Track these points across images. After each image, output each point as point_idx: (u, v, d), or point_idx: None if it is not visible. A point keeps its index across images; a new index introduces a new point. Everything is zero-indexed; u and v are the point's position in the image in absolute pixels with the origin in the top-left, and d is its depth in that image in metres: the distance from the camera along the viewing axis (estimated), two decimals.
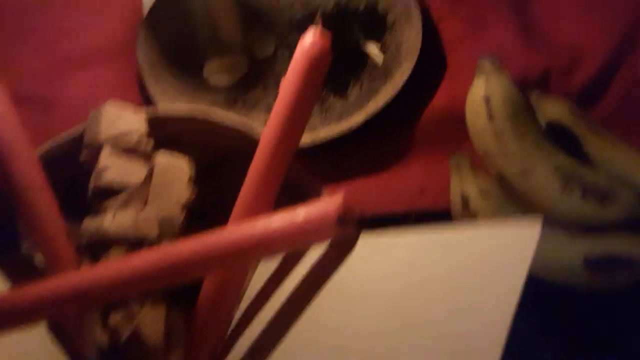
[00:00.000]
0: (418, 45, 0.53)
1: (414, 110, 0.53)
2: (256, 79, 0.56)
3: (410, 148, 0.51)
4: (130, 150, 0.39)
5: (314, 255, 0.34)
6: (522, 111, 0.45)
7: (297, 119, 0.37)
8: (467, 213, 0.43)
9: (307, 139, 0.50)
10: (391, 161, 0.51)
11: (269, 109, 0.52)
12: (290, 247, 0.33)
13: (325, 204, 0.33)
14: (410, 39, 0.54)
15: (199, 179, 0.40)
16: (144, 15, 0.55)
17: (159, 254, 0.32)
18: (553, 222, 0.42)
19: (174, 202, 0.38)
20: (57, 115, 0.54)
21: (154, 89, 0.53)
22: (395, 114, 0.52)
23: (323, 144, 0.49)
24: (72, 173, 0.39)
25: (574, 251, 0.40)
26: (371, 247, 0.32)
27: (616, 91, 0.52)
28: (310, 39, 0.36)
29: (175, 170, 0.39)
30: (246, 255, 0.33)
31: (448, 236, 0.30)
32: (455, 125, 0.50)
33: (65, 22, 0.59)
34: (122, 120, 0.39)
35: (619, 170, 0.45)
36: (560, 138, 0.47)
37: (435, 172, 0.49)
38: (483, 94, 0.45)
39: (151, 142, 0.39)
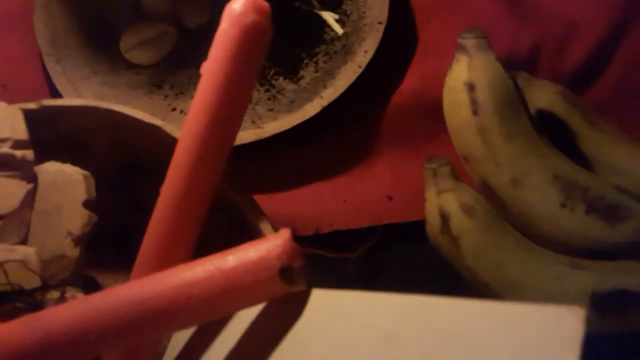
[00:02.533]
0: (384, 14, 0.45)
1: (380, 96, 0.45)
2: (187, 55, 0.47)
3: (375, 144, 0.44)
4: (1, 164, 0.29)
5: (245, 320, 0.25)
6: (513, 102, 0.37)
7: (225, 119, 0.28)
8: (447, 235, 0.35)
9: (249, 135, 0.41)
10: (352, 161, 0.43)
11: None
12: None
13: (265, 246, 0.24)
14: (374, 6, 0.46)
15: (106, 190, 0.31)
16: None
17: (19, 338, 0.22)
18: (551, 245, 0.34)
19: (64, 234, 0.29)
20: None
21: (55, 70, 0.43)
22: (357, 101, 0.44)
23: (269, 141, 0.40)
24: None
25: (579, 285, 0.32)
26: (330, 309, 0.23)
27: (613, 72, 0.46)
28: (240, 7, 0.27)
29: (66, 189, 0.30)
30: (152, 325, 0.23)
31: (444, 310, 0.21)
32: (429, 115, 0.43)
33: None
34: None
35: (621, 174, 0.38)
36: (551, 130, 0.40)
37: (406, 175, 0.42)
38: (466, 80, 0.37)
39: (31, 153, 0.30)
